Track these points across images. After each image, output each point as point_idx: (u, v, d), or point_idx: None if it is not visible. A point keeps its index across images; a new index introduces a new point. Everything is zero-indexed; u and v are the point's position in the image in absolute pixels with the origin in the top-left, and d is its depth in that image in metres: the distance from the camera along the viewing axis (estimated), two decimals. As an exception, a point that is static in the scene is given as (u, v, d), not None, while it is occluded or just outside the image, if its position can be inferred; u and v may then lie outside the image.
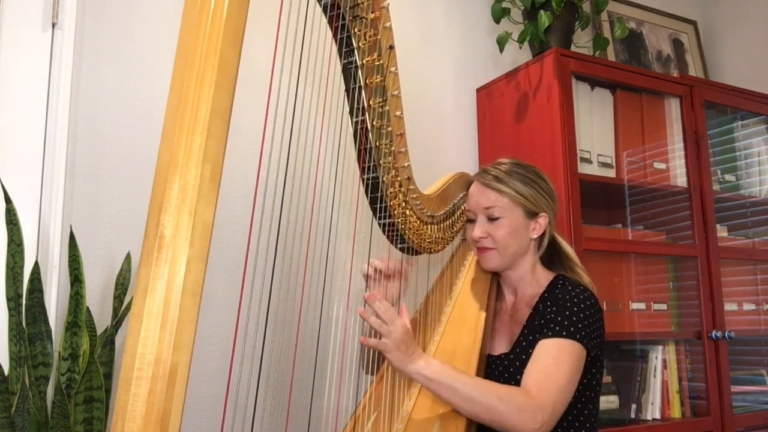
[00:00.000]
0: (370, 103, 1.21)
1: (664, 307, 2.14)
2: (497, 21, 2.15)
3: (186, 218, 0.72)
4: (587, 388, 1.26)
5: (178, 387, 0.69)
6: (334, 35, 1.15)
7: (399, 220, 1.35)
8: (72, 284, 1.42)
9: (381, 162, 1.26)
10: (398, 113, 1.26)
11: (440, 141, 2.22)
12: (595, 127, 2.09)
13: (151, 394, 0.68)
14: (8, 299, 1.38)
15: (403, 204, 1.35)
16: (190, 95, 0.75)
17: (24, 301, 1.39)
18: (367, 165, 1.26)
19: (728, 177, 2.40)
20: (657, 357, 2.07)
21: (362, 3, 1.12)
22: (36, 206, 1.58)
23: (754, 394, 2.28)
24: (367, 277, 1.39)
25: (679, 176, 2.19)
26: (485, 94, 2.27)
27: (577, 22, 2.13)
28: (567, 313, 1.24)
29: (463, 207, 1.60)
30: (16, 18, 1.62)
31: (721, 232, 2.29)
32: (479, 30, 2.37)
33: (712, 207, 2.19)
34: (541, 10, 2.04)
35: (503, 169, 1.37)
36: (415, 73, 2.18)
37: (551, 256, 1.44)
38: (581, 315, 1.24)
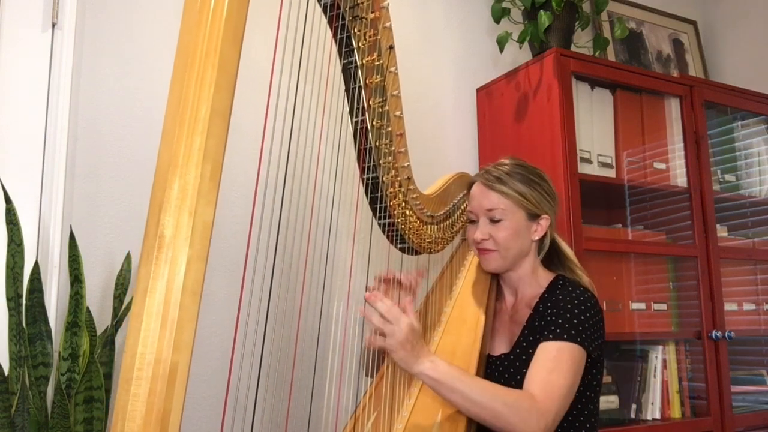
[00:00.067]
0: (370, 103, 1.21)
1: (664, 307, 2.14)
2: (497, 21, 2.15)
3: (186, 218, 0.72)
4: (587, 388, 1.26)
5: (178, 387, 0.69)
6: (334, 35, 1.15)
7: (399, 220, 1.35)
8: (72, 284, 1.42)
9: (381, 162, 1.26)
10: (398, 113, 1.26)
11: (440, 141, 2.22)
12: (595, 127, 2.09)
13: (151, 394, 0.68)
14: (8, 299, 1.38)
15: (403, 204, 1.35)
16: (190, 95, 0.75)
17: (24, 301, 1.39)
18: (367, 165, 1.26)
19: (728, 177, 2.40)
20: (657, 357, 2.07)
21: (362, 3, 1.13)
22: (36, 206, 1.58)
23: (754, 394, 2.28)
24: (372, 286, 1.38)
25: (679, 176, 2.19)
26: (485, 94, 2.28)
27: (577, 22, 2.13)
28: (568, 315, 1.24)
29: (463, 207, 1.60)
30: (16, 18, 1.62)
31: (721, 232, 2.29)
32: (479, 30, 2.37)
33: (712, 207, 2.19)
34: (541, 10, 2.04)
35: (505, 170, 1.36)
36: (415, 73, 2.18)
37: (550, 257, 1.44)
38: (582, 317, 1.24)
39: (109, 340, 1.47)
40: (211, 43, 0.75)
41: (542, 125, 1.99)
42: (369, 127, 1.22)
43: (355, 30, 1.15)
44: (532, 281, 1.39)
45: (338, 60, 1.19)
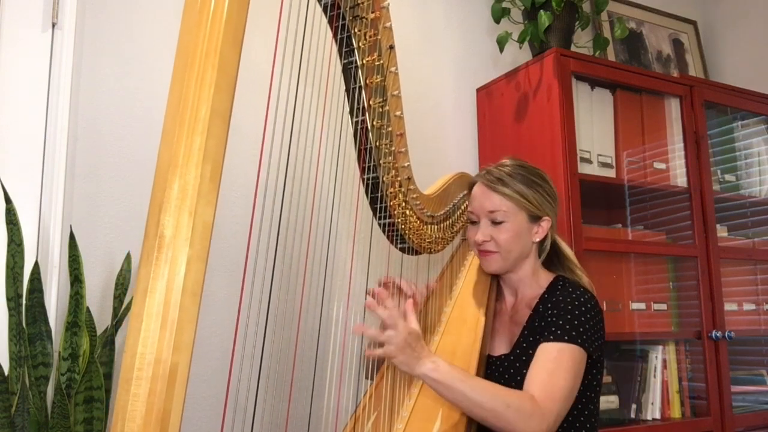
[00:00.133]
0: (370, 103, 1.21)
1: (664, 307, 2.14)
2: (497, 21, 2.15)
3: (186, 218, 0.72)
4: (588, 389, 1.26)
5: (178, 387, 0.69)
6: (334, 35, 1.15)
7: (399, 220, 1.35)
8: (72, 284, 1.42)
9: (381, 162, 1.26)
10: (398, 113, 1.26)
11: (440, 141, 2.22)
12: (595, 127, 2.09)
13: (151, 394, 0.68)
14: (8, 299, 1.38)
15: (403, 204, 1.35)
16: (190, 95, 0.75)
17: (24, 301, 1.39)
18: (367, 165, 1.26)
19: (728, 177, 2.40)
20: (657, 357, 2.07)
21: (362, 3, 1.12)
22: (36, 206, 1.58)
23: (754, 394, 2.28)
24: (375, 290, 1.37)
25: (679, 176, 2.19)
26: (485, 94, 2.28)
27: (577, 22, 2.13)
28: (568, 316, 1.24)
29: (463, 207, 1.60)
30: (16, 18, 1.62)
31: (721, 232, 2.29)
32: (479, 30, 2.37)
33: (712, 207, 2.19)
34: (541, 10, 2.04)
35: (507, 171, 1.36)
36: (415, 73, 2.18)
37: (550, 257, 1.44)
38: (582, 318, 1.23)
39: (109, 340, 1.47)
40: (211, 44, 0.75)
41: (542, 125, 1.99)
42: (369, 127, 1.22)
43: (356, 30, 1.15)
44: (532, 282, 1.39)
45: (338, 60, 1.18)
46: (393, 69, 1.22)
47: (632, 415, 2.04)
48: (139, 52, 1.77)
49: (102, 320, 1.56)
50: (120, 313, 1.50)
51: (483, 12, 2.35)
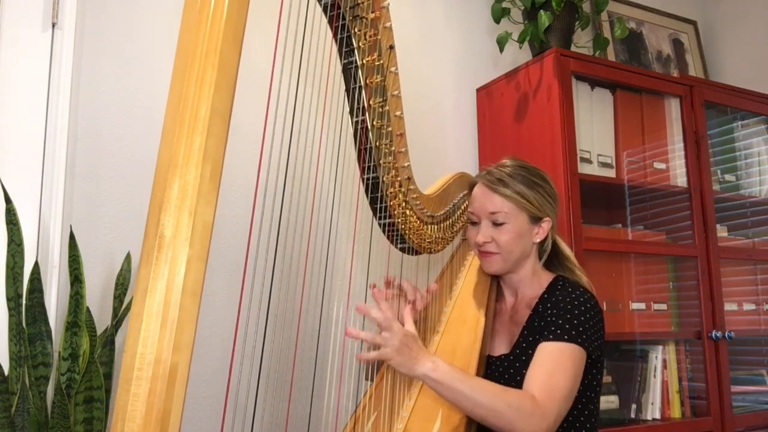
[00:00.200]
0: (370, 103, 1.21)
1: (664, 307, 2.14)
2: (497, 21, 2.15)
3: (186, 218, 0.72)
4: (588, 389, 1.26)
5: (178, 387, 0.69)
6: (334, 35, 1.15)
7: (399, 220, 1.35)
8: (72, 284, 1.42)
9: (381, 162, 1.26)
10: (398, 113, 1.26)
11: (440, 141, 2.22)
12: (595, 127, 2.09)
13: (151, 394, 0.68)
14: (8, 299, 1.38)
15: (403, 204, 1.35)
16: (190, 95, 0.75)
17: (24, 301, 1.39)
18: (367, 165, 1.26)
19: (728, 177, 2.40)
20: (657, 357, 2.07)
21: (362, 3, 1.12)
22: (36, 206, 1.58)
23: (754, 394, 2.28)
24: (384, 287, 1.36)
25: (679, 176, 2.19)
26: (485, 94, 2.27)
27: (577, 22, 2.13)
28: (568, 316, 1.24)
29: (463, 207, 1.60)
30: (16, 18, 1.62)
31: (721, 232, 2.29)
32: (479, 30, 2.37)
33: (712, 207, 2.19)
34: (541, 10, 2.04)
35: (508, 172, 1.35)
36: (415, 73, 2.18)
37: (550, 257, 1.44)
38: (582, 318, 1.23)
39: (109, 340, 1.47)
40: (211, 43, 0.75)
41: (542, 125, 1.99)
42: (369, 127, 1.22)
43: (356, 30, 1.15)
44: (532, 282, 1.39)
45: (338, 60, 1.18)
46: (393, 69, 1.22)
47: (632, 415, 2.04)
48: (139, 52, 1.77)
49: (102, 320, 1.56)
50: (120, 313, 1.50)
51: (483, 12, 2.35)
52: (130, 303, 1.46)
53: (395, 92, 1.23)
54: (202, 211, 0.72)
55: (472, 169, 2.04)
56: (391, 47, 1.20)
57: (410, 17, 2.22)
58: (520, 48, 2.24)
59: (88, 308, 1.44)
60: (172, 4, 1.81)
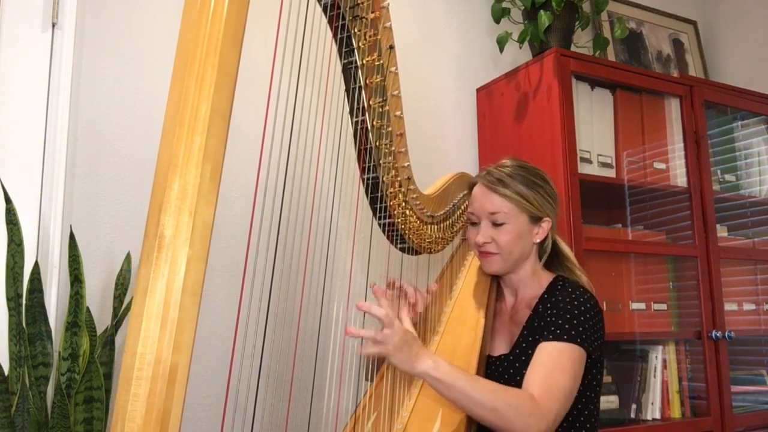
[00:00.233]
0: (370, 103, 1.21)
1: (664, 307, 2.14)
2: (497, 21, 2.15)
3: (186, 218, 0.72)
4: (587, 389, 1.26)
5: (178, 387, 0.69)
6: (334, 35, 1.15)
7: (399, 220, 1.35)
8: (72, 284, 1.42)
9: (381, 162, 1.26)
10: (398, 113, 1.26)
11: (440, 141, 2.22)
12: (595, 127, 2.09)
13: (151, 394, 0.68)
14: (8, 299, 1.38)
15: (403, 204, 1.35)
16: (190, 95, 0.75)
17: (24, 301, 1.39)
18: (367, 165, 1.26)
19: (728, 177, 2.40)
20: (657, 357, 2.07)
21: (362, 3, 1.12)
22: (36, 206, 1.58)
23: (754, 394, 2.28)
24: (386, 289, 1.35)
25: (679, 176, 2.19)
26: (485, 94, 2.28)
27: (577, 22, 2.13)
28: (568, 316, 1.24)
29: (463, 207, 1.60)
30: (16, 18, 1.62)
31: (721, 232, 2.29)
32: (479, 30, 2.37)
33: (712, 207, 2.19)
34: (541, 10, 2.04)
35: (507, 172, 1.35)
36: (415, 73, 2.18)
37: (549, 257, 1.44)
38: (582, 318, 1.23)
39: (109, 340, 1.47)
40: (211, 43, 0.75)
41: (542, 125, 1.99)
42: (369, 127, 1.22)
43: (356, 30, 1.15)
44: (532, 282, 1.39)
45: (338, 60, 1.18)
46: (393, 69, 1.22)
47: (632, 415, 2.04)
48: (139, 52, 1.77)
49: (102, 320, 1.56)
50: (120, 313, 1.50)
51: (483, 12, 2.36)
52: (130, 303, 1.46)
53: (395, 92, 1.23)
54: (202, 211, 0.72)
55: (472, 169, 2.04)
56: (391, 47, 1.20)
57: (410, 17, 2.22)
58: (520, 48, 2.24)
59: (88, 308, 1.44)
60: (172, 4, 1.81)
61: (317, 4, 1.10)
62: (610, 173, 2.09)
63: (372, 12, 1.14)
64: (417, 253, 1.48)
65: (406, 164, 1.32)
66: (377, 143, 1.24)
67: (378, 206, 1.31)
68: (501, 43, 2.14)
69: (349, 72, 1.19)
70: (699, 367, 2.12)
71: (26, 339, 1.37)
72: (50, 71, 1.64)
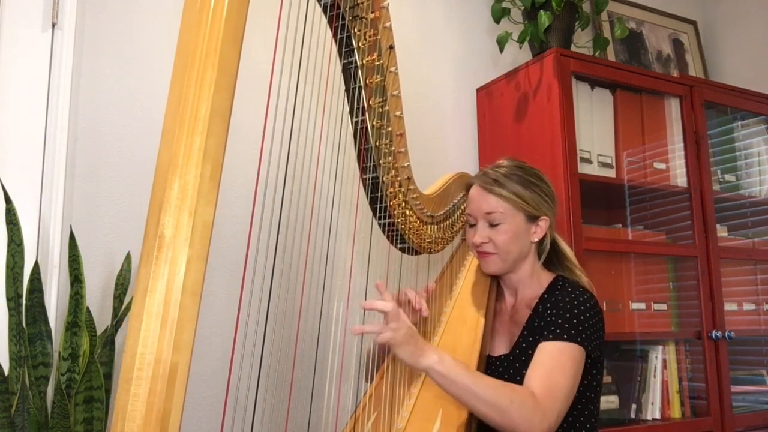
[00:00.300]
0: (370, 103, 1.21)
1: (664, 307, 2.14)
2: (497, 21, 2.15)
3: (186, 218, 0.72)
4: (588, 389, 1.26)
5: (178, 387, 0.69)
6: (334, 35, 1.15)
7: (399, 220, 1.35)
8: (72, 284, 1.42)
9: (381, 162, 1.26)
10: (398, 113, 1.26)
11: (440, 141, 2.22)
12: (595, 127, 2.09)
13: (151, 394, 0.68)
14: (8, 299, 1.38)
15: (403, 204, 1.35)
16: (190, 95, 0.75)
17: (24, 301, 1.39)
18: (367, 165, 1.26)
19: (728, 177, 2.40)
20: (657, 357, 2.07)
21: (362, 3, 1.13)
22: (36, 206, 1.58)
23: (754, 394, 2.28)
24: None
25: (679, 176, 2.19)
26: (485, 94, 2.28)
27: (577, 22, 2.13)
28: (567, 315, 1.24)
29: (463, 207, 1.60)
30: (16, 18, 1.62)
31: (721, 232, 2.29)
32: (479, 30, 2.37)
33: (712, 207, 2.19)
34: (541, 10, 2.04)
35: (503, 172, 1.36)
36: (415, 73, 2.18)
37: (549, 257, 1.44)
38: (582, 317, 1.24)
39: (109, 340, 1.47)
40: (211, 43, 0.75)
41: (542, 125, 1.99)
42: (369, 127, 1.22)
43: (355, 30, 1.15)
44: (531, 282, 1.39)
45: (338, 60, 1.19)
46: (393, 69, 1.22)
47: (632, 415, 2.04)
48: (139, 52, 1.77)
49: (102, 320, 1.56)
50: (120, 313, 1.50)
51: (483, 12, 2.36)
52: (130, 303, 1.46)
53: (395, 92, 1.23)
54: (202, 211, 0.72)
55: (472, 169, 2.04)
56: (391, 47, 1.20)
57: (410, 17, 2.22)
58: (520, 48, 2.24)
59: (88, 308, 1.44)
60: (172, 4, 1.81)
61: (317, 4, 1.10)
62: (610, 173, 2.09)
63: (372, 12, 1.14)
64: (417, 253, 1.48)
65: (406, 164, 1.32)
66: (377, 143, 1.24)
67: (378, 206, 1.31)
68: (501, 43, 2.14)
69: (349, 72, 1.19)
70: (699, 367, 2.12)
71: (26, 339, 1.37)
72: (50, 71, 1.64)
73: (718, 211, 2.23)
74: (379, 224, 1.35)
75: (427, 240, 1.46)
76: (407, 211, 1.37)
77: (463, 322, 1.38)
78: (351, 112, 1.22)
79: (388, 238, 1.39)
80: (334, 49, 1.16)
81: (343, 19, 1.13)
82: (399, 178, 1.31)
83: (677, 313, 2.17)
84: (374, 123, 1.22)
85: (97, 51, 1.72)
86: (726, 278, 2.21)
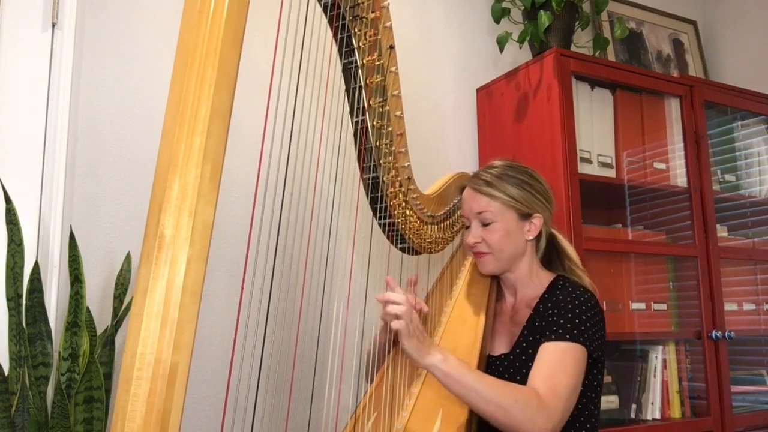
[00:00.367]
0: (370, 103, 1.21)
1: (664, 307, 2.14)
2: (497, 21, 2.15)
3: (186, 218, 0.72)
4: (588, 389, 1.26)
5: (178, 387, 0.69)
6: (334, 35, 1.15)
7: (399, 220, 1.35)
8: (72, 284, 1.42)
9: (381, 162, 1.26)
10: (398, 113, 1.26)
11: (440, 141, 2.22)
12: (595, 127, 2.09)
13: (151, 394, 0.68)
14: (8, 299, 1.38)
15: (403, 204, 1.35)
16: (190, 95, 0.75)
17: (24, 301, 1.39)
18: (367, 165, 1.26)
19: (728, 177, 2.40)
20: (657, 357, 2.07)
21: (362, 3, 1.13)
22: (36, 206, 1.58)
23: (754, 394, 2.28)
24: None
25: (679, 176, 2.19)
26: (485, 94, 2.28)
27: (577, 22, 2.13)
28: (569, 315, 1.24)
29: (463, 207, 1.60)
30: (16, 18, 1.62)
31: (721, 232, 2.29)
32: (479, 30, 2.37)
33: (712, 207, 2.19)
34: (541, 10, 2.04)
35: (494, 173, 1.37)
36: (415, 73, 2.18)
37: (551, 257, 1.44)
38: (583, 317, 1.24)
39: (109, 340, 1.47)
40: (211, 43, 0.75)
41: (542, 125, 1.99)
42: (369, 127, 1.22)
43: (356, 30, 1.15)
44: (531, 281, 1.39)
45: (338, 60, 1.19)
46: (393, 69, 1.22)
47: (632, 415, 2.04)
48: (139, 52, 1.77)
49: (102, 320, 1.56)
50: (120, 313, 1.50)
51: (483, 12, 2.35)
52: (130, 303, 1.46)
53: (395, 92, 1.23)
54: (202, 211, 0.72)
55: (472, 169, 2.03)
56: (391, 47, 1.20)
57: (410, 17, 2.22)
58: (520, 48, 2.24)
59: (88, 308, 1.44)
60: (172, 4, 1.81)
61: (317, 4, 1.10)
62: (610, 173, 2.09)
63: (372, 12, 1.14)
64: (417, 253, 1.48)
65: (406, 164, 1.32)
66: (377, 143, 1.24)
67: (378, 206, 1.31)
68: (501, 43, 2.14)
69: (349, 72, 1.19)
70: (699, 367, 2.12)
71: (26, 339, 1.37)
72: (50, 71, 1.64)
73: (718, 211, 2.23)
74: (380, 224, 1.35)
75: (427, 240, 1.46)
76: (407, 211, 1.37)
77: (463, 322, 1.38)
78: (351, 112, 1.22)
79: (388, 238, 1.39)
80: (335, 49, 1.16)
81: (344, 19, 1.13)
82: (399, 178, 1.31)
83: (677, 313, 2.17)
84: (374, 123, 1.22)
85: (97, 51, 1.72)
86: (726, 278, 2.21)
